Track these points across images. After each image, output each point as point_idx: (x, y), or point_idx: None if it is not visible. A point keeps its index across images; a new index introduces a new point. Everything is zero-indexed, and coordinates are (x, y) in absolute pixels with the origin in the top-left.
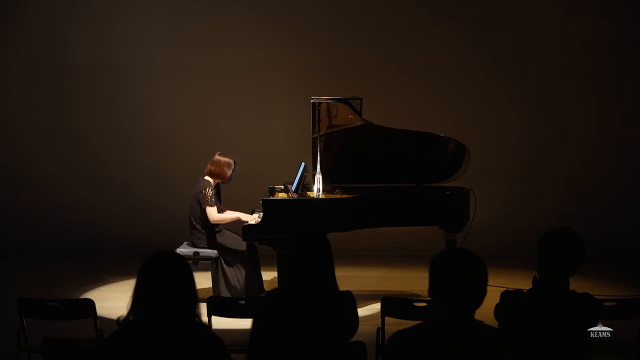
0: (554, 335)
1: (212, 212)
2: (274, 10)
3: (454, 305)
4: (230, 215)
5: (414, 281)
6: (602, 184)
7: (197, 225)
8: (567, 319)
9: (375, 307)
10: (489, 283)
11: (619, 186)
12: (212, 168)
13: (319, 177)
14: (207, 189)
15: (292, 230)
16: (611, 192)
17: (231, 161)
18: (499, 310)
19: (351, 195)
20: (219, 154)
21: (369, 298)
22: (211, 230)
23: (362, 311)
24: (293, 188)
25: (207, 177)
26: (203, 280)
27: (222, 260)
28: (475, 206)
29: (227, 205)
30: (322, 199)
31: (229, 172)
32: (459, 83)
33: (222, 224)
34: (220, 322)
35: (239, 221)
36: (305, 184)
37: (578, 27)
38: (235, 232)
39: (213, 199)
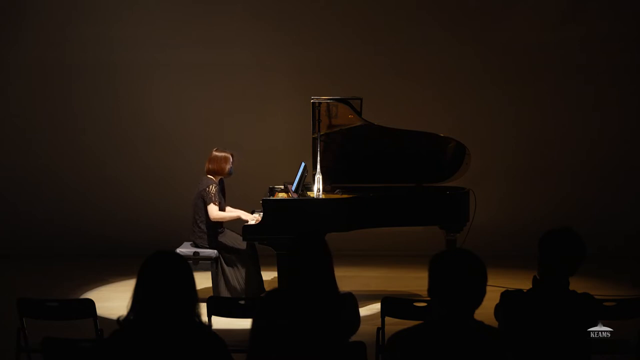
0: (554, 335)
1: (213, 210)
2: (274, 11)
3: (454, 305)
4: (230, 213)
5: (414, 281)
6: (602, 184)
7: (200, 225)
8: (567, 319)
9: (375, 307)
10: (489, 283)
11: (619, 186)
12: (210, 166)
13: (319, 177)
14: (211, 186)
15: (292, 230)
16: (611, 192)
17: (228, 155)
18: (499, 310)
19: (351, 195)
20: (215, 150)
21: (369, 298)
22: (214, 229)
23: (362, 311)
24: (293, 188)
25: (208, 176)
26: (203, 280)
27: (222, 260)
28: (475, 206)
29: (227, 205)
30: (322, 199)
31: (228, 167)
32: (459, 83)
33: (224, 223)
34: (220, 322)
35: (239, 220)
36: (305, 184)
37: (578, 27)
38: (236, 232)
39: (217, 197)
